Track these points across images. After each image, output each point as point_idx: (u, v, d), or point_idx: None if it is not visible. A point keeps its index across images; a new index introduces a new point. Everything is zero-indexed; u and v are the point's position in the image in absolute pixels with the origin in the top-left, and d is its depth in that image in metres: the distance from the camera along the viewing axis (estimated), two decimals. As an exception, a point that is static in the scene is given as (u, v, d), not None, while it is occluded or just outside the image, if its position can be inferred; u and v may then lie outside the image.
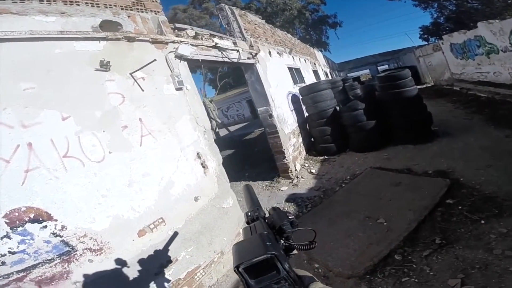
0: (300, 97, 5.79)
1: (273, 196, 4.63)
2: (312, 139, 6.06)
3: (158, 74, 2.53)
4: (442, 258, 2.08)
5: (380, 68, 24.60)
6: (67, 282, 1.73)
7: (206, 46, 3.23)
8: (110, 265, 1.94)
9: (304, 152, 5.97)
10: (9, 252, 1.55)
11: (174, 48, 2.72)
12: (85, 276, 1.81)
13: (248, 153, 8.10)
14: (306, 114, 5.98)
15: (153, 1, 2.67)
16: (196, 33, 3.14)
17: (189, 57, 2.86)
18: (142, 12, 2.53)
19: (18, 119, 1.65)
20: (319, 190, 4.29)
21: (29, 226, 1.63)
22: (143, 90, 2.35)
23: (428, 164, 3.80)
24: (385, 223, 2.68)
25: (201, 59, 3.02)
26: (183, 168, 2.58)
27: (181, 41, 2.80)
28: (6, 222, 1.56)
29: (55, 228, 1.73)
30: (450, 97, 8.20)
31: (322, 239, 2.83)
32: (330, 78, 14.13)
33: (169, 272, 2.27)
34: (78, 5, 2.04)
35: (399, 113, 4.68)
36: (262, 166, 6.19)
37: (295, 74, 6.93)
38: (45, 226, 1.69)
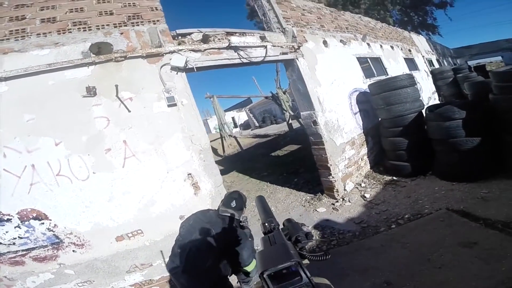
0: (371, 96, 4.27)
1: (305, 216, 3.98)
2: (386, 150, 4.50)
3: (149, 91, 2.45)
4: None
5: (522, 55, 16.67)
6: (54, 262, 2.34)
7: (217, 48, 2.81)
8: (89, 257, 2.42)
9: (368, 166, 4.56)
10: (19, 237, 2.22)
11: (170, 59, 2.55)
12: (67, 260, 2.36)
13: (309, 152, 7.24)
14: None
15: (152, 10, 2.50)
16: (204, 35, 2.78)
17: (188, 67, 2.62)
18: (138, 25, 2.42)
19: (24, 146, 2.13)
20: (359, 225, 3.29)
21: (32, 222, 2.23)
22: (129, 111, 2.39)
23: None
24: (401, 301, 1.89)
25: (198, 66, 2.62)
26: (168, 188, 2.59)
27: (179, 50, 2.55)
28: (18, 217, 2.18)
29: (50, 225, 2.28)
30: None
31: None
32: (437, 67, 10.15)
33: (142, 273, 2.59)
34: (70, 32, 2.16)
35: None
36: (315, 174, 5.35)
37: (371, 65, 5.01)
38: (43, 223, 2.25)
